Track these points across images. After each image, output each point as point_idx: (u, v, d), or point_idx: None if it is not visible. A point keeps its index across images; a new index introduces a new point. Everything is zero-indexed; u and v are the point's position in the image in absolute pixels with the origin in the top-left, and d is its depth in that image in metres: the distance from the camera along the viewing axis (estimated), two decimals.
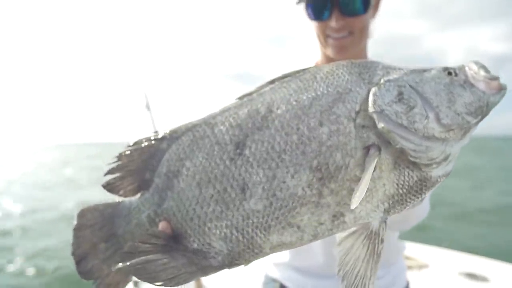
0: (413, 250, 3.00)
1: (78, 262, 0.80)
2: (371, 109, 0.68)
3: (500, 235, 7.21)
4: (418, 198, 0.70)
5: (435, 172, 0.69)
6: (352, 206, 0.63)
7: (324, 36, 1.39)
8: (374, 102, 0.68)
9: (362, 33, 1.37)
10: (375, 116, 0.67)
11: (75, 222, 0.81)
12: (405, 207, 0.70)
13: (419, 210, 1.28)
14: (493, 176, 16.31)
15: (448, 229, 7.73)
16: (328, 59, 1.46)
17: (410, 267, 2.74)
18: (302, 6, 1.38)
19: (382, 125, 0.66)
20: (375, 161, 0.65)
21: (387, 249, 1.40)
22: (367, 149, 0.68)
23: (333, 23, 1.32)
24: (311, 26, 1.42)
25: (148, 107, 2.16)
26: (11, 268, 6.26)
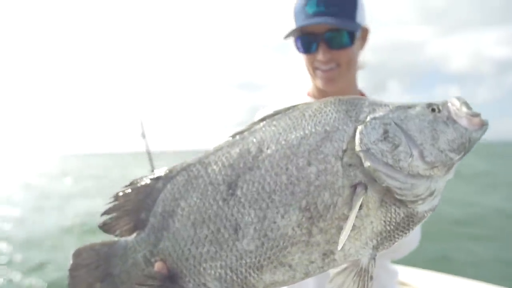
0: (408, 275, 2.94)
1: None
2: (357, 148, 0.70)
3: (505, 242, 7.23)
4: (406, 233, 0.72)
5: (421, 207, 0.71)
6: (339, 247, 0.65)
7: (313, 68, 1.44)
8: (361, 140, 0.70)
9: (350, 65, 1.41)
10: (361, 154, 0.70)
11: (70, 262, 0.81)
12: (393, 243, 0.72)
13: (410, 241, 1.30)
14: (498, 181, 16.29)
15: (453, 233, 7.74)
16: (318, 90, 1.51)
17: None
18: (292, 39, 1.43)
19: (369, 164, 0.69)
20: (361, 199, 0.67)
21: (379, 273, 1.41)
22: (354, 187, 0.70)
23: (320, 56, 1.37)
24: (301, 58, 1.47)
25: (143, 136, 2.16)
26: (8, 275, 6.25)
